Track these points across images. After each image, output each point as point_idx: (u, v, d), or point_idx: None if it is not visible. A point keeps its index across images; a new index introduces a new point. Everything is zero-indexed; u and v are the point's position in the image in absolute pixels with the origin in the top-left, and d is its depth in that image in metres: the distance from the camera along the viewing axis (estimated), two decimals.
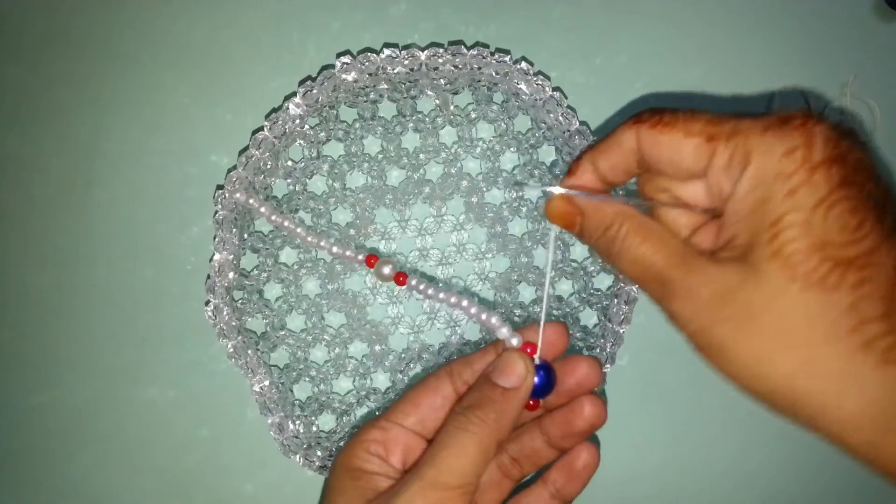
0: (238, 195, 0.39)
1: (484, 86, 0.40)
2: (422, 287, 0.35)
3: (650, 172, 0.29)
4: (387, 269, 0.36)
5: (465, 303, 0.34)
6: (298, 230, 0.38)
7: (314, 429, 0.40)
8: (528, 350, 0.31)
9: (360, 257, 0.37)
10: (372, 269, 0.36)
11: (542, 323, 0.31)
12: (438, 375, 0.32)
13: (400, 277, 0.36)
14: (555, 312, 0.41)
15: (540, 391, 0.31)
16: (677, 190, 0.28)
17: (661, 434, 0.42)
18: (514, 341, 0.32)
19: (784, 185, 0.23)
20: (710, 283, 0.24)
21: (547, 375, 0.31)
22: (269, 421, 0.39)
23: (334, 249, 0.37)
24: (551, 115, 0.39)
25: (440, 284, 0.41)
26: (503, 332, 0.32)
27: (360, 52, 0.41)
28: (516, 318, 0.41)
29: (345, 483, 0.30)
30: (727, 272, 0.24)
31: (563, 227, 0.30)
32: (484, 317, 0.33)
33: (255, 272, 0.41)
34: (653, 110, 0.28)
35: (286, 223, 0.38)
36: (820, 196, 0.23)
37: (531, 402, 0.31)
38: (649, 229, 0.27)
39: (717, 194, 0.26)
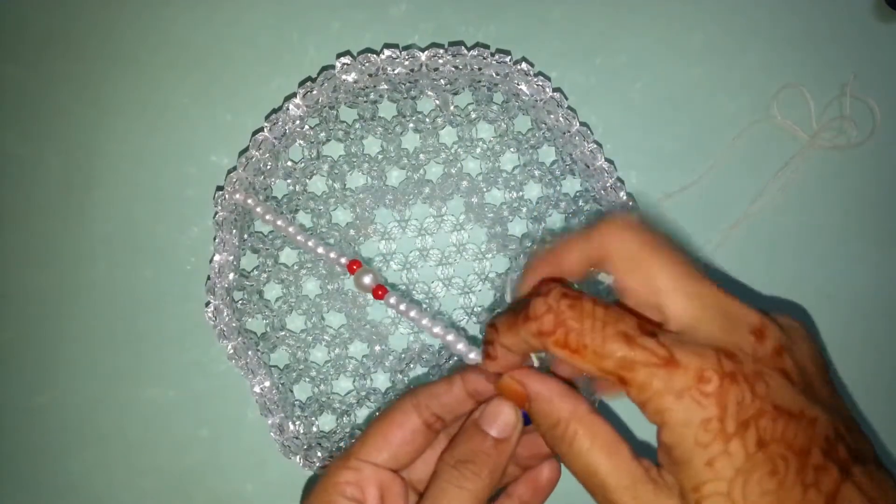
0: (238, 196, 0.39)
1: (484, 86, 0.40)
2: (402, 307, 0.34)
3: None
4: (367, 279, 0.35)
5: (437, 329, 0.33)
6: (290, 229, 0.37)
7: (314, 429, 0.40)
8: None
9: (343, 261, 0.35)
10: (352, 276, 0.34)
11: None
12: (403, 409, 0.31)
13: (379, 291, 0.34)
14: None
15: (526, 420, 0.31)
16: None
17: None
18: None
19: (703, 454, 0.24)
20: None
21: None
22: (270, 422, 0.39)
23: (319, 250, 0.36)
24: (552, 116, 0.39)
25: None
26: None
27: (360, 53, 0.41)
28: None
29: None
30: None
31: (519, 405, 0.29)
32: (460, 347, 0.32)
33: (255, 273, 0.41)
34: (555, 317, 0.26)
35: (279, 221, 0.38)
36: (737, 467, 0.23)
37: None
38: (600, 435, 0.26)
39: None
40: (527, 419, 0.31)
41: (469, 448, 0.29)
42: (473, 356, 0.31)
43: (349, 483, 0.30)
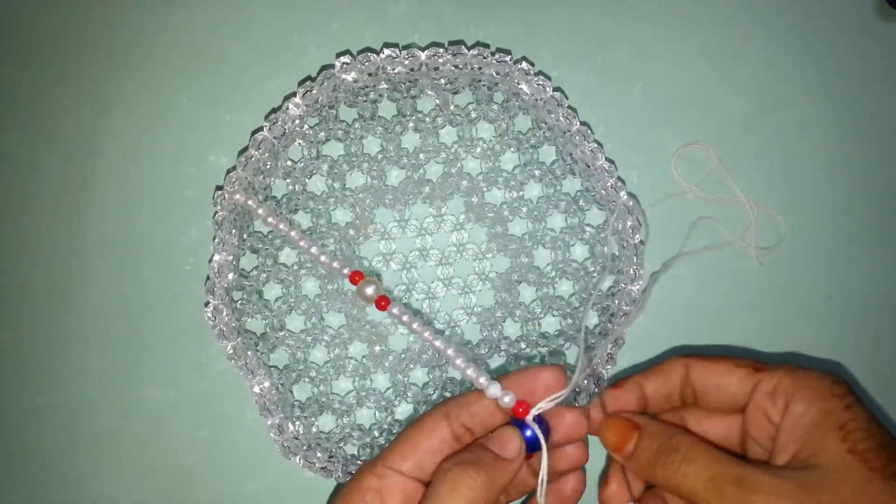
0: (237, 196, 0.39)
1: (484, 85, 0.40)
2: (405, 319, 0.34)
3: (687, 407, 0.33)
4: (369, 290, 0.35)
5: (450, 351, 0.33)
6: (293, 234, 0.37)
7: (314, 430, 0.40)
8: (521, 409, 0.31)
9: (346, 271, 0.35)
10: (355, 287, 0.35)
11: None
12: (434, 417, 0.31)
13: (382, 302, 0.34)
14: (555, 313, 0.41)
15: (533, 446, 0.31)
16: (709, 427, 0.33)
17: None
18: (507, 399, 0.31)
19: (840, 402, 0.29)
20: (801, 481, 0.27)
21: (541, 431, 0.31)
22: (269, 422, 0.39)
23: (322, 259, 0.37)
24: (552, 116, 0.39)
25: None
26: (492, 391, 0.31)
27: (360, 52, 0.41)
28: (516, 320, 0.41)
29: None
30: (810, 475, 0.28)
31: (614, 444, 0.32)
32: (470, 372, 0.32)
33: (255, 273, 0.40)
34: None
35: (281, 225, 0.38)
36: (870, 415, 0.28)
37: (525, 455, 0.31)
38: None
39: (759, 421, 0.30)
40: (534, 448, 0.31)
41: (470, 456, 0.29)
42: (508, 399, 0.31)
43: (371, 489, 0.30)
